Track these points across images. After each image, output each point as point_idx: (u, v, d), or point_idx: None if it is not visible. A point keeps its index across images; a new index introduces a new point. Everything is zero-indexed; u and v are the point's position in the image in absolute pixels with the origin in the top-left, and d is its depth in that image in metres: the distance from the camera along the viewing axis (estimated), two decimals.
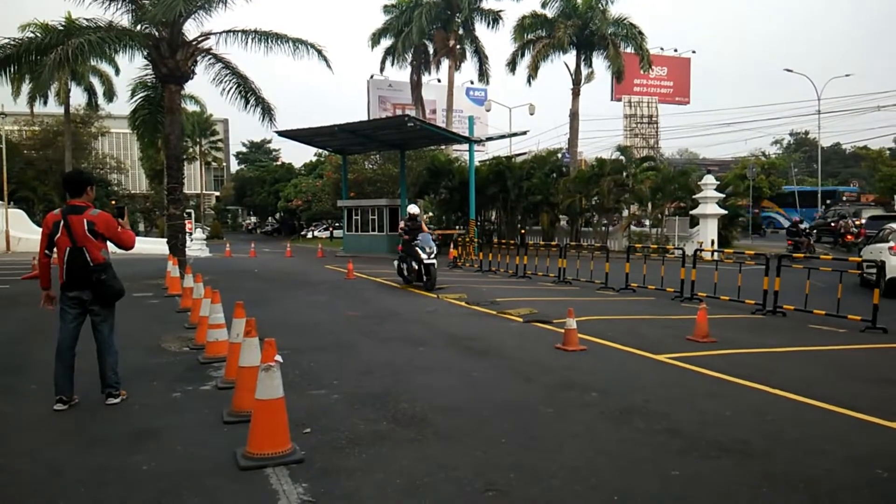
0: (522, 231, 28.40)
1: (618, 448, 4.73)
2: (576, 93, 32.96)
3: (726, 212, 27.81)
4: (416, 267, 14.51)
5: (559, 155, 33.96)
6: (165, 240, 18.89)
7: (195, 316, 9.36)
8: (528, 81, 32.69)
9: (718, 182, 28.11)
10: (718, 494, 3.97)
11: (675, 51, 48.87)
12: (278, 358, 4.35)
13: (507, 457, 4.53)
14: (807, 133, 74.87)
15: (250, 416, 4.48)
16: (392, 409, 5.60)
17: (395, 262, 15.87)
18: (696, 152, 72.68)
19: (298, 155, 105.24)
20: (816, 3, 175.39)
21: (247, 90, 19.26)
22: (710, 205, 26.69)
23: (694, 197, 27.49)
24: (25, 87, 33.90)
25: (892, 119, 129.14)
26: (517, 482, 4.08)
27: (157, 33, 17.16)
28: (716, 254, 15.99)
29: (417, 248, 14.41)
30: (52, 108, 37.57)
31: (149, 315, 11.32)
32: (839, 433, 5.08)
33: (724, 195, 27.98)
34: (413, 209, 15.32)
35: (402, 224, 15.16)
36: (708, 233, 26.18)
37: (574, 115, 33.22)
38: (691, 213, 27.71)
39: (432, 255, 14.40)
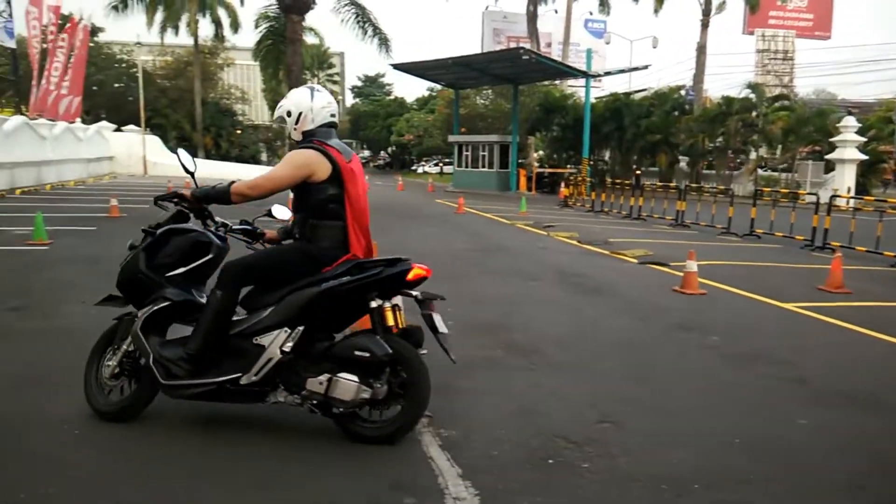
0: (638, 171, 27.39)
1: (739, 393, 4.56)
2: (705, 24, 30.83)
3: (867, 157, 25.50)
4: None
5: (682, 92, 32.11)
6: None
7: None
8: (655, 11, 30.90)
9: (860, 125, 25.68)
10: (843, 445, 3.76)
11: None
12: None
13: (619, 391, 4.48)
14: None
15: None
16: (504, 338, 5.66)
17: None
18: (834, 92, 66.46)
19: (411, 89, 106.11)
20: None
21: (364, 20, 19.38)
22: (848, 149, 24.52)
23: (831, 140, 25.33)
24: (158, 17, 35.80)
25: None
26: (632, 416, 4.03)
27: None
28: (853, 201, 14.75)
29: None
30: (182, 38, 39.37)
31: None
32: None
33: (865, 139, 25.61)
34: None
35: None
36: (845, 179, 24.17)
37: (701, 49, 31.19)
38: (826, 157, 25.60)
39: None
